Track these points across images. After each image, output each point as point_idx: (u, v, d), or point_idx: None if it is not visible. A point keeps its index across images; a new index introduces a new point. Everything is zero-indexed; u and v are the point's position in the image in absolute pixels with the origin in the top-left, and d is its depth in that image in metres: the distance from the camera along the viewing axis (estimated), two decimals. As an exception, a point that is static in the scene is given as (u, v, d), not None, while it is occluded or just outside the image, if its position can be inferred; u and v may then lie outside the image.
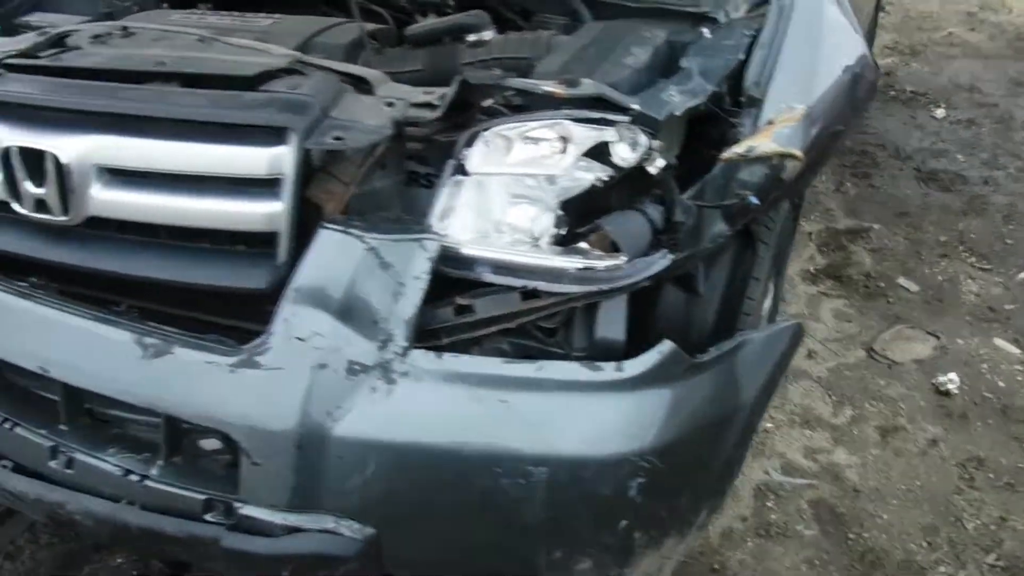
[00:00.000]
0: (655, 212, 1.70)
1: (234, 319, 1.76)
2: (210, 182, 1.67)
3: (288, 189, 1.62)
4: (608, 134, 1.65)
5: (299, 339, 1.58)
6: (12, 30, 2.50)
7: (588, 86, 1.69)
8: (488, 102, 1.76)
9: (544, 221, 1.68)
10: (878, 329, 3.20)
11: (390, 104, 1.68)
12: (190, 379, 1.62)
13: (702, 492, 1.82)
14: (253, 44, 1.86)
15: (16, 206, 1.81)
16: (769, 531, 2.43)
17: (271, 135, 1.62)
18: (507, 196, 1.69)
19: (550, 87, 1.71)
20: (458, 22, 2.19)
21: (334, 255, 1.60)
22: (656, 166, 1.66)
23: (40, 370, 1.72)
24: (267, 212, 1.64)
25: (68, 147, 1.71)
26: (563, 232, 1.68)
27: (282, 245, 1.65)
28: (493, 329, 1.67)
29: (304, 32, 2.08)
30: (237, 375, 1.58)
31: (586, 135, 1.66)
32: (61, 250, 1.81)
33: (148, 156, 1.69)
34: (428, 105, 1.70)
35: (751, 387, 1.80)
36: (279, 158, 1.62)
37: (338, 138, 1.60)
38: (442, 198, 1.68)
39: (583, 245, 1.67)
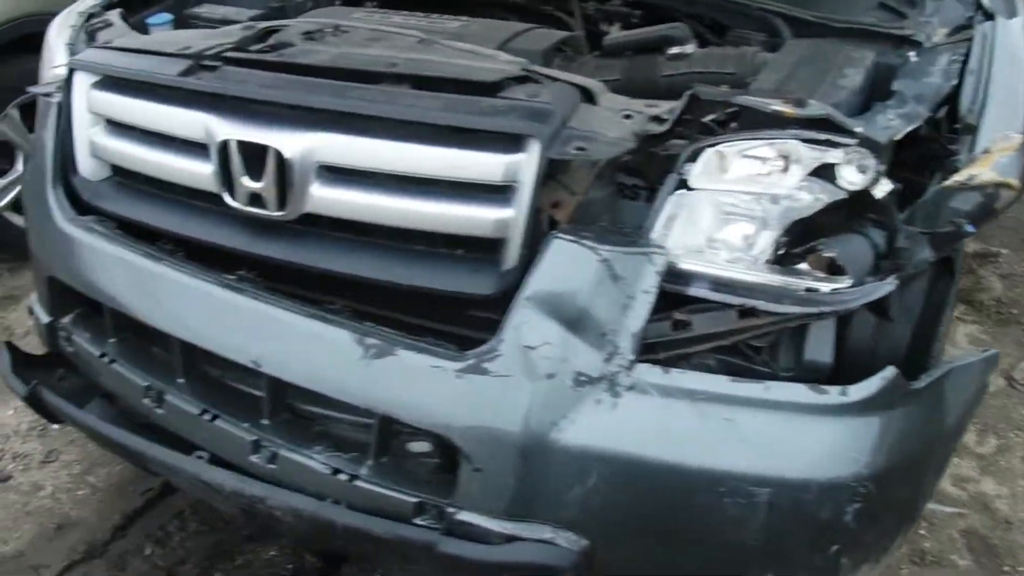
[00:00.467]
0: (878, 237, 1.68)
1: (441, 322, 1.76)
2: (436, 185, 1.67)
3: (524, 197, 1.61)
4: (834, 156, 1.64)
5: (529, 348, 1.58)
6: (184, 21, 2.53)
7: (816, 107, 1.67)
8: (709, 117, 1.74)
9: (763, 240, 1.66)
10: (1016, 357, 3.15)
11: (628, 116, 1.68)
12: (413, 382, 1.62)
13: (903, 518, 1.80)
14: (476, 49, 1.86)
15: (229, 199, 1.82)
16: (924, 559, 2.41)
17: (509, 142, 1.62)
18: (724, 213, 1.68)
19: (779, 106, 1.69)
20: (661, 34, 2.18)
21: (567, 265, 1.60)
22: (882, 190, 1.64)
23: (253, 364, 1.74)
24: (498, 218, 1.64)
25: (292, 143, 1.72)
26: (780, 252, 1.66)
27: (512, 252, 1.65)
28: (708, 346, 1.66)
29: (498, 37, 2.08)
30: (464, 380, 1.58)
31: (813, 156, 1.64)
32: (273, 245, 1.82)
33: (376, 156, 1.69)
34: (657, 119, 1.69)
35: (955, 414, 1.78)
36: (516, 165, 1.61)
37: (581, 148, 1.60)
38: (664, 212, 1.67)
39: (803, 266, 1.66)
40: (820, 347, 1.68)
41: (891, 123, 1.74)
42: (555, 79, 1.75)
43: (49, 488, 2.64)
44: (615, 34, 2.24)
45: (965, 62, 1.99)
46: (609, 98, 1.77)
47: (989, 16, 2.22)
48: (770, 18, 2.22)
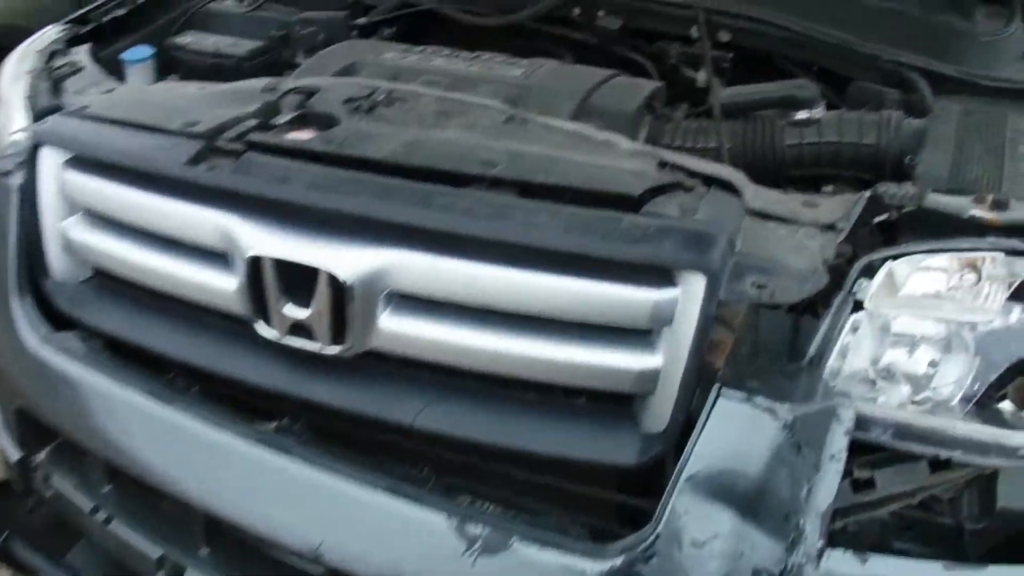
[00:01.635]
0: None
1: (550, 498, 1.38)
2: (551, 324, 1.27)
3: (681, 344, 1.22)
4: None
5: (694, 544, 1.19)
6: (166, 54, 2.07)
7: (1021, 209, 1.32)
8: (880, 218, 1.37)
9: (955, 372, 1.33)
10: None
11: (810, 236, 1.29)
12: (539, 590, 1.23)
13: None
14: (585, 131, 1.45)
15: (262, 327, 1.39)
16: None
17: (659, 275, 1.22)
18: (905, 340, 1.33)
19: (979, 211, 1.33)
20: (785, 93, 1.79)
21: (738, 433, 1.21)
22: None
23: (311, 554, 1.32)
24: (642, 369, 1.25)
25: (353, 263, 1.30)
26: (977, 387, 1.32)
27: (660, 410, 1.26)
28: (893, 507, 1.32)
29: (575, 90, 1.69)
30: (611, 590, 1.20)
31: (1017, 271, 1.30)
32: (324, 387, 1.40)
33: (471, 285, 1.28)
34: (831, 227, 1.31)
35: None
36: (670, 305, 1.22)
37: (760, 286, 1.21)
38: (837, 343, 1.30)
39: (1006, 406, 1.32)
40: (1017, 492, 1.35)
41: None
42: (695, 172, 1.35)
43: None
44: (729, 91, 1.84)
45: None
46: (756, 192, 1.38)
47: None
48: (904, 72, 1.85)
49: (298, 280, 1.34)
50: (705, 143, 1.73)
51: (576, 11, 2.10)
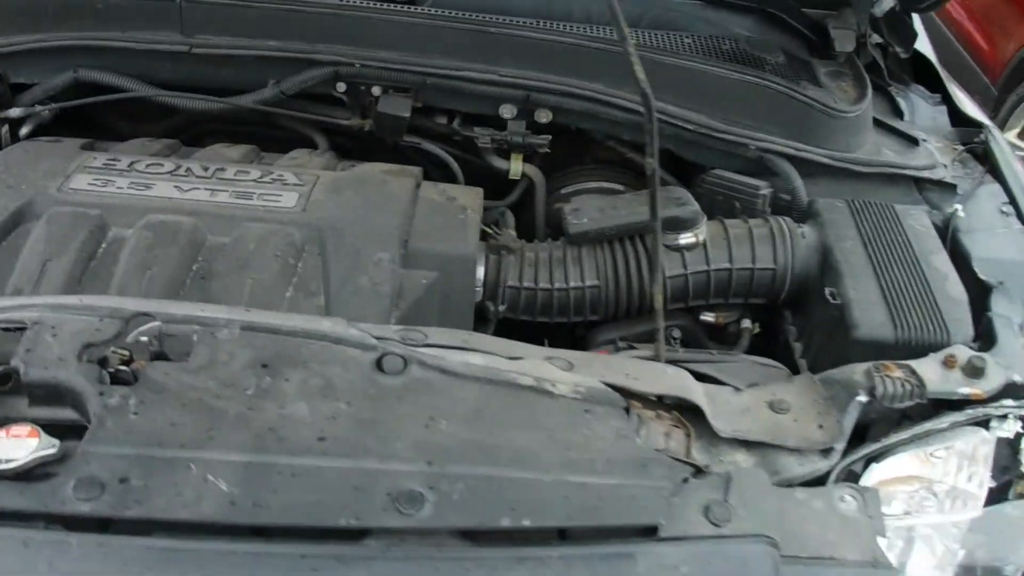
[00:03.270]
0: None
1: None
2: None
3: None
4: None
5: None
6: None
7: (996, 371, 1.27)
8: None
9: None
10: None
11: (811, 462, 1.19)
12: None
13: None
14: (503, 372, 1.17)
15: None
16: None
17: None
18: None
19: (968, 388, 1.27)
20: (668, 215, 1.53)
21: None
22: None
23: None
24: None
25: None
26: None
27: None
28: None
29: (383, 227, 1.47)
30: None
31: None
32: None
33: None
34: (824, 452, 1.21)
35: None
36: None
37: None
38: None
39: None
40: None
41: None
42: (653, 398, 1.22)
43: None
44: (580, 219, 1.59)
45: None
46: (715, 406, 1.24)
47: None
48: (769, 158, 1.70)
49: None
50: (565, 281, 1.56)
51: (341, 88, 1.76)
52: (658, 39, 1.86)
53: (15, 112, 1.75)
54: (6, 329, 1.13)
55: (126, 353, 1.09)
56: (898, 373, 1.28)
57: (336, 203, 1.52)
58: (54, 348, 1.09)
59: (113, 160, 1.57)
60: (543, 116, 1.75)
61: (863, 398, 1.24)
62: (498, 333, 1.54)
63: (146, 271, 1.37)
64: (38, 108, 1.76)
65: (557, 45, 1.74)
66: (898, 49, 1.99)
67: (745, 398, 1.29)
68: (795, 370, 1.51)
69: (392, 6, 1.84)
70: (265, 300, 1.35)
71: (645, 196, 1.55)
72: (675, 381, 1.26)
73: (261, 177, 1.56)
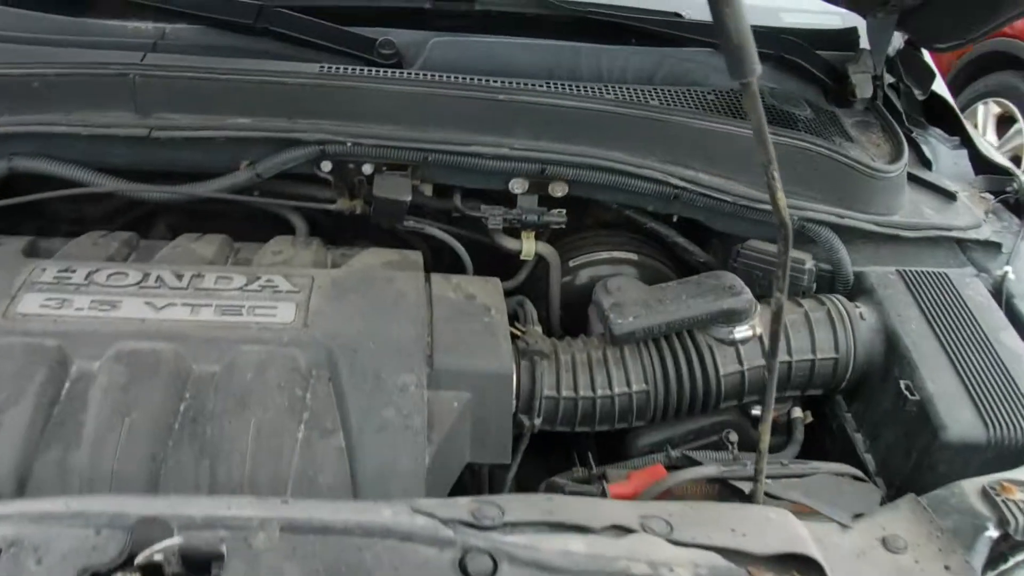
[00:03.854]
0: None
1: None
2: None
3: None
4: None
5: None
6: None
7: None
8: None
9: None
10: None
11: None
12: None
13: None
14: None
15: None
16: None
17: None
18: None
19: None
20: (722, 308, 1.40)
21: None
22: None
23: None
24: None
25: None
26: None
27: None
28: None
29: (402, 340, 1.26)
30: None
31: None
32: None
33: None
34: None
35: None
36: None
37: None
38: None
39: None
40: None
41: None
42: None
43: None
44: (627, 317, 1.39)
45: None
46: (832, 546, 1.07)
47: None
48: (811, 228, 1.55)
49: None
50: (610, 387, 1.38)
51: (326, 167, 1.55)
52: (679, 97, 1.68)
53: None
54: None
55: (139, 584, 0.83)
56: (1021, 495, 1.13)
57: (341, 313, 1.29)
58: None
59: (66, 272, 1.31)
60: (559, 189, 1.57)
61: (993, 533, 1.08)
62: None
63: (124, 418, 1.12)
64: None
65: (575, 112, 1.54)
66: (915, 90, 1.87)
67: (855, 538, 1.11)
68: (858, 464, 1.37)
69: (378, 72, 1.61)
70: (274, 445, 1.13)
71: (692, 285, 1.45)
72: (783, 531, 1.08)
73: (247, 284, 1.32)
